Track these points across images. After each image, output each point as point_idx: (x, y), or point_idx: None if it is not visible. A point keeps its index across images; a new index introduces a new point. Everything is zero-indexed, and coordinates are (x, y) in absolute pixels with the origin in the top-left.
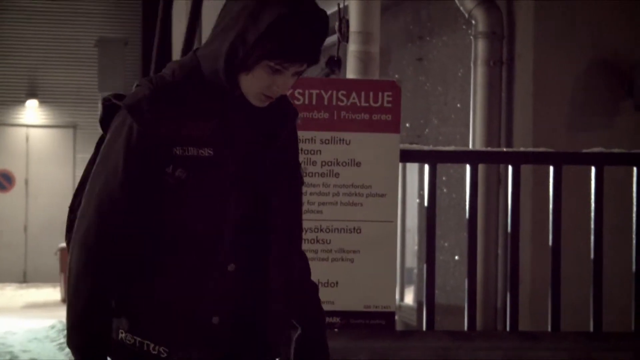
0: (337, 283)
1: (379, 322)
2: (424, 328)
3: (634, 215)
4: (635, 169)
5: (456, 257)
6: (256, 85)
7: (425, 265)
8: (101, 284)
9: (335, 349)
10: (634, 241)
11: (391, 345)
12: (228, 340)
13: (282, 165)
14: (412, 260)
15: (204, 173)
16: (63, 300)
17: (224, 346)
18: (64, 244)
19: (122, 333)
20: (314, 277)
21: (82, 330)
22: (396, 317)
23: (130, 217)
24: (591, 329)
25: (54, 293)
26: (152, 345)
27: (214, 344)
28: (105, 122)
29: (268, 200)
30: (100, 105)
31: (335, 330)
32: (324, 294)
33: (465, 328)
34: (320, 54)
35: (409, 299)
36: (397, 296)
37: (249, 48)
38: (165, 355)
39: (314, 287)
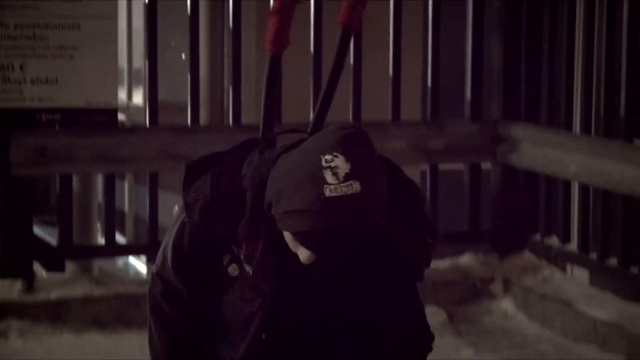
0: (56, 79)
1: (101, 119)
2: (147, 125)
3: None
4: None
5: (183, 56)
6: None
7: (147, 62)
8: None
9: (58, 146)
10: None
11: (113, 142)
12: None
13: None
14: (140, 61)
15: (246, 284)
16: None
17: None
18: None
19: None
20: (31, 73)
21: None
22: (124, 117)
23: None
24: (428, 119)
25: None
26: None
27: None
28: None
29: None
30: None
31: (56, 126)
32: (43, 91)
33: (189, 123)
34: None
35: (138, 99)
36: (125, 96)
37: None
38: None
39: None
